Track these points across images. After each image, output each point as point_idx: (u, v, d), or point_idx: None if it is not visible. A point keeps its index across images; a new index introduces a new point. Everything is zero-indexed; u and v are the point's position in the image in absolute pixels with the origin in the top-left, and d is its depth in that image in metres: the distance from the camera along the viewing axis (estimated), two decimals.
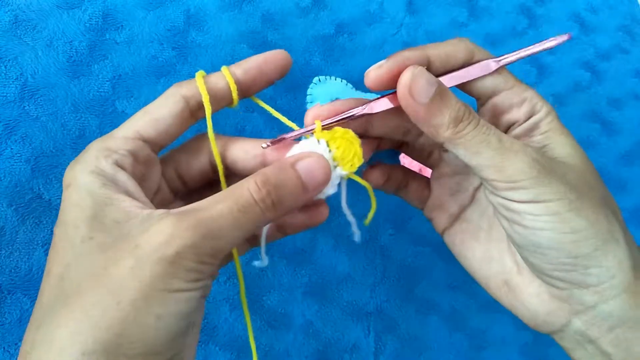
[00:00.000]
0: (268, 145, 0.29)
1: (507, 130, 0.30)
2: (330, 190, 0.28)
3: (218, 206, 0.24)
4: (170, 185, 0.30)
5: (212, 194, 0.30)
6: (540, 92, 0.30)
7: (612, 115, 0.59)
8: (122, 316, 0.21)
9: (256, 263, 0.31)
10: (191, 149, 0.30)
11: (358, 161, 0.28)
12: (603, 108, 0.59)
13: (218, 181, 0.30)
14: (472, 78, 0.28)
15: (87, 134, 0.42)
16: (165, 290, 0.22)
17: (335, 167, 0.28)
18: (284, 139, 0.29)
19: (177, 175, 0.30)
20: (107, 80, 0.44)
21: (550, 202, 0.25)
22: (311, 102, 0.48)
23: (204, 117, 0.28)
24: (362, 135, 0.29)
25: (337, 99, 0.48)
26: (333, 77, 0.49)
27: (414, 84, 0.26)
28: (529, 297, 0.29)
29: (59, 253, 0.24)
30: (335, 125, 0.29)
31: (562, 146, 0.28)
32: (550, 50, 0.60)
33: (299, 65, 0.50)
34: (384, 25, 0.54)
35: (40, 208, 0.40)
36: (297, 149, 0.28)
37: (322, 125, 0.28)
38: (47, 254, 0.39)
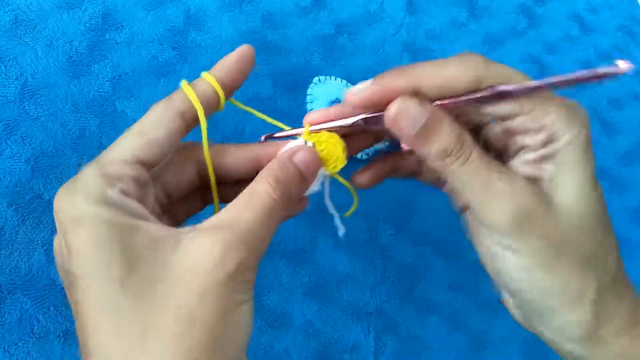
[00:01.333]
0: (261, 141, 0.31)
1: (519, 150, 0.27)
2: (315, 187, 0.30)
3: (248, 215, 0.24)
4: (157, 200, 0.29)
5: (196, 202, 0.31)
6: None
7: (612, 115, 0.59)
8: (200, 340, 0.22)
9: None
10: (178, 162, 0.29)
11: (340, 163, 0.30)
12: (603, 108, 0.59)
13: (202, 188, 0.31)
14: (475, 104, 0.25)
15: (87, 134, 0.42)
16: (234, 304, 0.23)
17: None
18: (272, 136, 0.31)
19: (163, 190, 0.29)
20: (107, 80, 0.44)
21: (523, 254, 0.25)
22: (311, 102, 0.48)
23: (198, 126, 0.28)
24: (363, 130, 0.30)
25: (337, 99, 0.48)
26: (333, 77, 0.49)
27: (399, 117, 0.25)
28: (511, 308, 0.30)
29: (96, 299, 0.21)
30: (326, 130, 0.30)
31: (569, 186, 0.25)
32: (550, 50, 0.60)
33: (299, 65, 0.50)
34: (384, 25, 0.54)
35: (40, 208, 0.40)
36: (287, 147, 0.30)
37: (312, 130, 0.30)
38: (47, 254, 0.39)
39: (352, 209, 0.34)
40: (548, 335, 0.27)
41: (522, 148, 0.27)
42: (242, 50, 0.29)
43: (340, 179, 0.32)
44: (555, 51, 0.60)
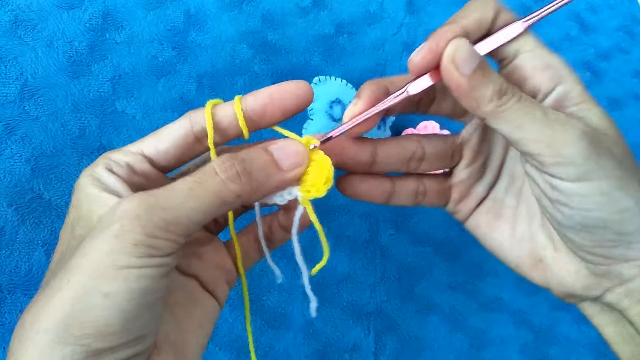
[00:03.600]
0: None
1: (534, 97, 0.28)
2: (276, 198, 0.27)
3: (178, 185, 0.23)
4: None
5: None
6: None
7: (612, 115, 0.59)
8: (70, 295, 0.21)
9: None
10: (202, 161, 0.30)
11: (316, 192, 0.27)
12: (603, 108, 0.59)
13: None
14: (499, 44, 0.27)
15: (87, 134, 0.42)
16: (113, 267, 0.21)
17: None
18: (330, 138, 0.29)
19: None
20: (107, 80, 0.44)
21: (601, 180, 0.25)
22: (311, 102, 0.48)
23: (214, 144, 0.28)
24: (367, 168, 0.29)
25: (337, 99, 0.48)
26: (333, 77, 0.49)
27: (457, 56, 0.25)
28: (566, 274, 0.29)
29: (58, 249, 0.26)
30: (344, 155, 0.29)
31: (597, 117, 0.27)
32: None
33: (299, 65, 0.50)
34: (384, 25, 0.54)
35: (40, 208, 0.40)
36: None
37: (327, 139, 0.28)
38: (47, 254, 0.39)
39: (322, 263, 0.31)
40: (627, 272, 0.26)
41: (534, 96, 0.27)
42: (289, 83, 0.28)
43: (311, 212, 0.28)
44: (555, 51, 0.60)
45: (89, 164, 0.26)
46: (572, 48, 0.61)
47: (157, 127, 0.28)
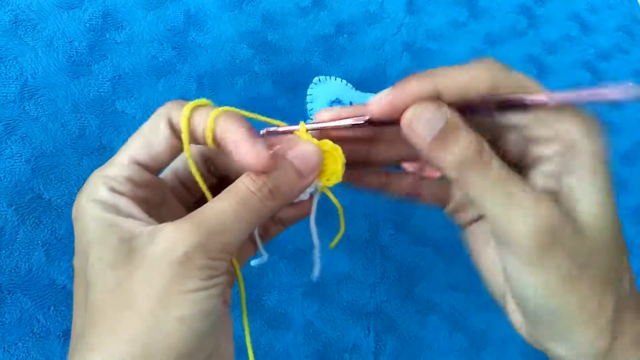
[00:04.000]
0: (262, 134, 0.29)
1: (535, 162, 0.26)
2: (302, 196, 0.29)
3: (217, 204, 0.24)
4: (180, 200, 0.30)
5: None
6: None
7: (612, 115, 0.59)
8: (144, 327, 0.22)
9: (253, 262, 0.31)
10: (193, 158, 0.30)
11: (336, 179, 0.29)
12: (603, 108, 0.59)
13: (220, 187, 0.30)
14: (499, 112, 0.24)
15: (87, 134, 0.42)
16: (181, 292, 0.22)
17: None
18: (272, 132, 0.29)
19: (184, 188, 0.30)
20: (107, 80, 0.44)
21: (546, 272, 0.24)
22: (311, 102, 0.48)
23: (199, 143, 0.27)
24: (363, 162, 0.29)
25: (337, 99, 0.48)
26: (333, 77, 0.49)
27: (415, 121, 0.24)
28: (516, 322, 0.29)
29: (79, 282, 0.25)
30: (330, 130, 0.29)
31: (591, 200, 0.24)
32: (550, 50, 0.60)
33: (299, 65, 0.50)
34: (384, 25, 0.54)
35: (40, 208, 0.40)
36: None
37: (317, 128, 0.29)
38: (47, 254, 0.39)
39: (338, 237, 0.33)
40: (560, 352, 0.26)
41: (538, 160, 0.25)
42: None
43: (332, 198, 0.30)
44: (555, 51, 0.60)
45: (89, 164, 0.26)
46: (572, 48, 0.61)
47: None
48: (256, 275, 0.44)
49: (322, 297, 0.45)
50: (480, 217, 0.32)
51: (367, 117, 0.27)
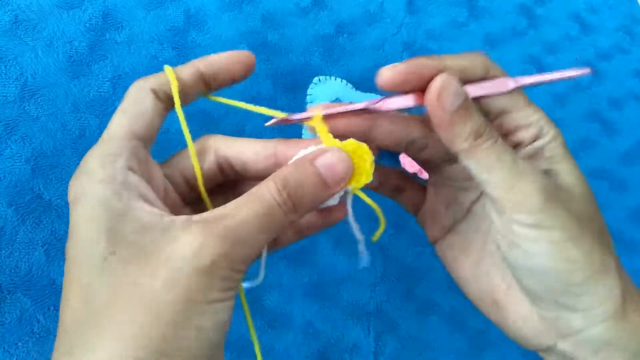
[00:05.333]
0: (273, 124, 0.28)
1: (514, 147, 0.29)
2: (330, 201, 0.27)
3: (243, 212, 0.23)
4: (177, 190, 0.29)
5: (221, 198, 0.29)
6: (540, 92, 0.30)
7: (612, 115, 0.59)
8: (162, 332, 0.21)
9: (245, 284, 0.30)
10: (197, 150, 0.29)
11: (366, 179, 0.27)
12: (603, 108, 0.59)
13: (226, 184, 0.30)
14: (486, 94, 0.28)
15: (87, 134, 0.42)
16: (204, 301, 0.22)
17: None
18: (288, 120, 0.28)
19: (184, 180, 0.29)
20: (107, 80, 0.44)
21: (552, 229, 0.25)
22: (311, 102, 0.48)
23: (180, 107, 0.28)
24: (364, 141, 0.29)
25: (337, 99, 0.48)
26: (333, 77, 0.49)
27: (443, 91, 0.25)
28: (518, 318, 0.29)
29: (77, 274, 0.22)
30: (337, 117, 0.28)
31: (565, 173, 0.27)
32: (549, 51, 0.60)
33: (299, 65, 0.50)
34: (384, 25, 0.54)
35: (40, 208, 0.40)
36: (303, 153, 0.27)
37: (325, 115, 0.27)
38: (47, 254, 0.39)
39: (380, 230, 0.32)
40: (575, 322, 0.27)
41: (515, 146, 0.28)
42: (237, 52, 0.28)
43: (365, 198, 0.29)
44: (555, 51, 0.60)
45: None
46: (572, 48, 0.61)
47: None
48: (256, 276, 0.44)
49: (322, 297, 0.45)
50: (447, 232, 0.33)
51: (375, 104, 0.28)
